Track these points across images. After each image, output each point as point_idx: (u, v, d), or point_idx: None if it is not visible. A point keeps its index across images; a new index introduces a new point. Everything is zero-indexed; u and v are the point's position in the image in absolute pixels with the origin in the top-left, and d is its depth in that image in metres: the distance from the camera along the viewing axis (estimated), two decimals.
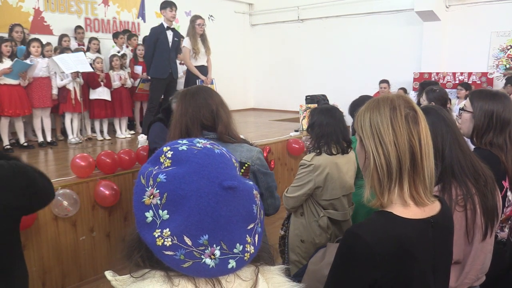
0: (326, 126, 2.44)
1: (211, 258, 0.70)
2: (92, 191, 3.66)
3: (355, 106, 2.77)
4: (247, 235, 0.74)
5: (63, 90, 5.71)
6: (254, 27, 10.65)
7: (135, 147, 4.67)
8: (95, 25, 7.50)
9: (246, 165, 1.80)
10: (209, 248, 0.70)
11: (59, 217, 3.41)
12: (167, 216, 0.70)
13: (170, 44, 5.66)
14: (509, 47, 7.30)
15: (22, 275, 1.63)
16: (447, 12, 7.72)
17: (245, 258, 0.73)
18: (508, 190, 1.78)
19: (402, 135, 1.07)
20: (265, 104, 10.38)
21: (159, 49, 5.58)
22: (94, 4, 7.47)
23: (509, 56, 7.31)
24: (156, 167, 0.75)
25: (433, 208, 1.14)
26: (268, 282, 0.78)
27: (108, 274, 0.77)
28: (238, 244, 0.72)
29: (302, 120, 6.30)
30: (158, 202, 0.70)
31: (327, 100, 6.65)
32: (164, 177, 0.72)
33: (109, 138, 6.20)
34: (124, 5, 7.95)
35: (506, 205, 1.79)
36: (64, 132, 6.09)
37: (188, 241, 0.69)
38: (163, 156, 0.77)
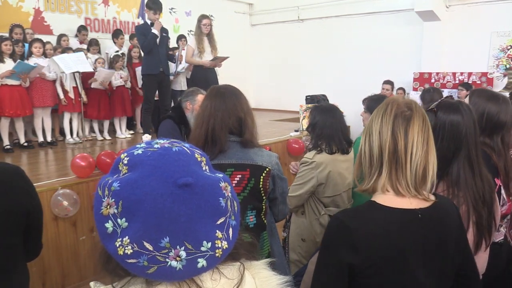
0: (328, 128, 2.45)
1: (176, 260, 0.67)
2: (92, 191, 3.65)
3: (375, 102, 2.76)
4: (217, 230, 0.71)
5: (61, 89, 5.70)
6: (254, 27, 10.64)
7: None
8: (95, 25, 7.50)
9: (267, 169, 1.84)
10: (173, 250, 0.67)
11: (59, 217, 3.41)
12: (126, 224, 0.68)
13: (157, 40, 5.63)
14: (509, 47, 7.29)
15: (23, 276, 1.63)
16: (447, 12, 7.71)
17: (217, 255, 0.70)
18: (501, 188, 1.77)
19: (387, 125, 1.14)
20: (265, 104, 10.37)
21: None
22: (94, 4, 7.46)
23: (509, 56, 7.30)
24: (115, 176, 0.73)
25: (424, 202, 1.17)
26: (254, 277, 0.78)
27: (93, 285, 0.75)
28: (205, 242, 0.69)
29: (302, 120, 6.29)
30: (115, 211, 0.69)
31: (327, 100, 6.65)
32: (118, 184, 0.70)
33: (109, 138, 6.20)
34: (124, 5, 7.95)
35: (501, 204, 1.79)
36: (63, 132, 6.09)
37: (148, 246, 0.67)
38: (121, 163, 0.74)
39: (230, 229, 0.74)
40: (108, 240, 0.69)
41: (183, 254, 0.67)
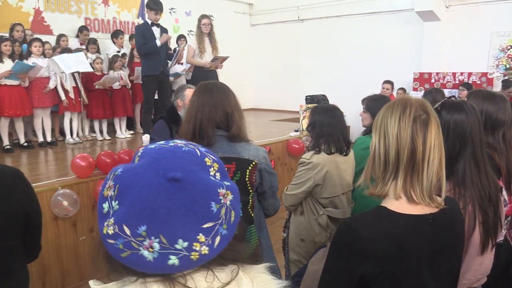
0: (327, 126, 2.44)
1: (149, 251, 0.68)
2: (92, 191, 3.65)
3: (374, 102, 2.75)
4: (201, 234, 0.70)
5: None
6: (254, 27, 10.64)
7: (135, 147, 4.67)
8: (95, 25, 7.50)
9: (253, 163, 1.86)
10: (147, 240, 0.68)
11: (59, 217, 3.41)
12: (117, 207, 0.71)
13: (157, 40, 5.65)
14: (509, 47, 7.29)
15: (23, 277, 1.64)
16: (447, 12, 7.71)
17: (192, 257, 0.69)
18: (503, 189, 1.77)
19: (406, 131, 1.09)
20: (265, 104, 10.38)
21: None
22: (94, 4, 7.46)
23: (509, 56, 7.30)
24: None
25: (434, 207, 1.14)
26: (252, 281, 0.76)
27: (92, 283, 0.76)
28: (181, 240, 0.68)
29: (302, 120, 6.29)
30: (112, 193, 0.72)
31: (327, 100, 6.65)
32: (121, 170, 0.73)
33: (109, 138, 6.20)
34: (124, 5, 7.95)
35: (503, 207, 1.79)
36: (63, 132, 6.09)
37: (127, 230, 0.68)
38: (137, 155, 0.78)
39: (218, 237, 0.72)
40: (102, 220, 0.72)
41: (156, 246, 0.68)
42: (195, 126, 1.80)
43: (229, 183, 0.78)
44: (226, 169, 0.83)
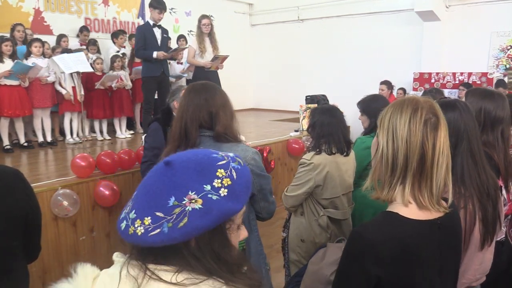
0: (328, 126, 2.44)
1: (124, 212, 0.79)
2: (92, 191, 3.65)
3: (368, 103, 2.75)
4: (150, 217, 0.73)
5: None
6: (254, 27, 10.65)
7: (135, 147, 4.67)
8: (95, 25, 7.50)
9: None
10: (129, 203, 0.79)
11: (59, 217, 3.41)
12: None
13: (159, 41, 5.65)
14: (509, 47, 7.29)
15: (23, 277, 1.64)
16: (447, 12, 7.71)
17: (129, 230, 0.75)
18: (502, 188, 1.77)
19: (416, 135, 1.07)
20: (265, 104, 10.38)
21: (149, 48, 5.56)
22: (94, 4, 7.46)
23: (509, 56, 7.30)
24: None
25: (441, 211, 1.13)
26: None
27: (115, 255, 0.83)
28: (133, 212, 0.76)
29: (302, 120, 6.30)
30: None
31: (327, 100, 6.65)
32: None
33: (109, 138, 6.20)
34: (124, 5, 7.95)
35: (503, 204, 1.79)
36: (63, 132, 6.09)
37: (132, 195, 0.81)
38: None
39: (157, 230, 0.72)
40: None
41: (126, 210, 0.79)
42: (181, 127, 1.78)
43: (218, 197, 0.75)
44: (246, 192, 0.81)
